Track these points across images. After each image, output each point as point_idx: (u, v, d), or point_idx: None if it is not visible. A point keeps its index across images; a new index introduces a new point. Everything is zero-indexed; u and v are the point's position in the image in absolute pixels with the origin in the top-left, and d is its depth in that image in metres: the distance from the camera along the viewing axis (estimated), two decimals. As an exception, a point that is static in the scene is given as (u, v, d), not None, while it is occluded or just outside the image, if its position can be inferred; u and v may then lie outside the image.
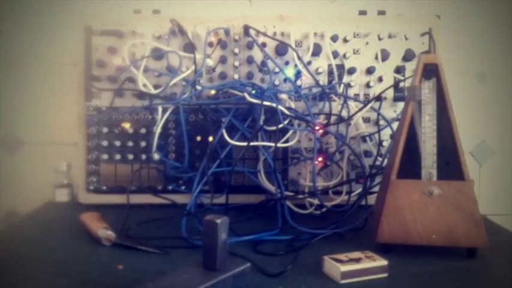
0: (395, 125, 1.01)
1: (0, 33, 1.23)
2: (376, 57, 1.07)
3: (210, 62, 1.05)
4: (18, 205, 1.25)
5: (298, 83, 1.06)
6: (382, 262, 0.71)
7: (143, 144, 1.06)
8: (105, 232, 0.83)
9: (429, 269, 0.74)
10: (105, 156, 1.06)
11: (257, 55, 1.07)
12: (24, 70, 1.24)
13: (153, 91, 1.02)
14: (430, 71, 0.79)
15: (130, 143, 1.06)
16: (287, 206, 0.95)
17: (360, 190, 1.01)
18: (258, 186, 1.03)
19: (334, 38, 1.06)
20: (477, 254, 0.78)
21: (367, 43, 1.07)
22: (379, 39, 1.06)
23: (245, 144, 0.96)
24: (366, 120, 1.08)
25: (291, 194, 1.04)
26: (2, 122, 1.25)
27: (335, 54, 1.06)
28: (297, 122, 1.01)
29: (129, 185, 1.05)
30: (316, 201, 1.00)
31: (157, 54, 1.05)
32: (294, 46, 1.05)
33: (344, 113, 1.03)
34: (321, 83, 1.05)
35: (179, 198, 1.03)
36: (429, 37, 1.05)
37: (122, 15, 1.06)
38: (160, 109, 1.03)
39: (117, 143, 1.06)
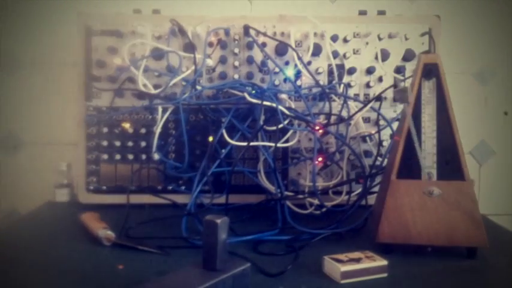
0: (395, 125, 1.01)
1: (0, 33, 1.23)
2: (376, 57, 1.07)
3: (210, 62, 1.05)
4: (18, 205, 1.24)
5: (298, 83, 1.06)
6: (382, 262, 0.71)
7: (143, 144, 1.06)
8: (105, 232, 0.83)
9: (429, 269, 0.74)
10: (105, 156, 1.06)
11: (257, 55, 1.07)
12: (24, 70, 1.23)
13: (153, 91, 1.02)
14: (430, 71, 0.79)
15: (130, 143, 1.06)
16: (287, 206, 0.95)
17: (360, 190, 1.01)
18: (258, 186, 1.03)
19: (334, 38, 1.06)
20: (477, 254, 0.78)
21: (367, 43, 1.07)
22: (379, 39, 1.06)
23: (245, 144, 0.96)
24: (366, 120, 1.08)
25: (291, 194, 1.04)
26: (2, 122, 1.25)
27: (335, 54, 1.06)
28: (297, 122, 1.01)
29: (129, 185, 1.05)
30: (316, 201, 1.00)
31: (157, 54, 1.05)
32: (294, 46, 1.05)
33: (344, 113, 1.03)
34: (321, 83, 1.05)
35: (179, 198, 1.03)
36: (429, 37, 1.05)
37: (122, 15, 1.06)
38: (160, 109, 1.03)
39: (117, 143, 1.06)
